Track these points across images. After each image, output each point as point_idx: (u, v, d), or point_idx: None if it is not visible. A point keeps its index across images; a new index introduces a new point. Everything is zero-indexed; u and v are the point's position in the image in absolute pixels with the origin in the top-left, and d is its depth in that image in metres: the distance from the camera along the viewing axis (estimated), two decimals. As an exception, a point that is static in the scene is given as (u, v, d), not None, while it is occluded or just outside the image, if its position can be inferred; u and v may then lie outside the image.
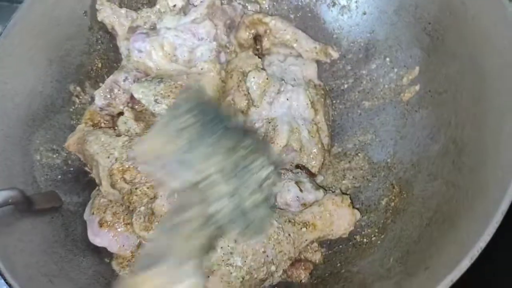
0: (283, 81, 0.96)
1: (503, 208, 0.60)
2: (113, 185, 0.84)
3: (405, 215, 0.82)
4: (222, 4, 1.03)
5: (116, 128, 0.92)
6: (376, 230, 0.85)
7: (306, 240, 0.82)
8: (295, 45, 1.04)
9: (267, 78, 0.94)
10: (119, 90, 0.94)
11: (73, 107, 0.98)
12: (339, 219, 0.84)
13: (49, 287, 0.71)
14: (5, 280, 0.66)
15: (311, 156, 0.92)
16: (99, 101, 0.94)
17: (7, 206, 0.72)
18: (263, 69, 0.97)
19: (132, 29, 1.00)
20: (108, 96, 0.94)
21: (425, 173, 0.83)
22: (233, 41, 1.03)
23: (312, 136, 0.92)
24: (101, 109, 0.95)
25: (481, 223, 0.62)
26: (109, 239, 0.83)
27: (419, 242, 0.74)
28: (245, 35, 1.04)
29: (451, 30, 0.85)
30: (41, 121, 0.91)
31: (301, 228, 0.82)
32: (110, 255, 0.86)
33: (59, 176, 0.91)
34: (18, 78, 0.88)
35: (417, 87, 0.93)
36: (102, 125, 0.95)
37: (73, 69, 0.98)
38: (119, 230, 0.84)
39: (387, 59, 0.99)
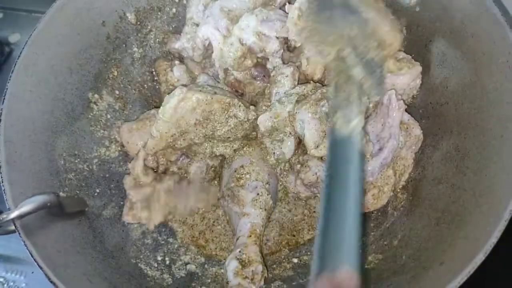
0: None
1: (511, 207, 0.68)
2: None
3: (412, 216, 0.89)
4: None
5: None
6: (385, 231, 0.92)
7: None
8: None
9: None
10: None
11: (91, 114, 1.01)
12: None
13: (88, 285, 0.75)
14: (49, 279, 0.69)
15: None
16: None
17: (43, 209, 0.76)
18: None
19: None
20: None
21: (430, 178, 0.91)
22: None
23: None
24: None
25: (491, 220, 0.70)
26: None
27: (429, 240, 0.81)
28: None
29: (452, 47, 0.93)
30: (63, 127, 0.94)
31: None
32: (136, 256, 0.90)
33: (82, 180, 0.93)
34: (42, 86, 0.91)
35: (417, 100, 1.01)
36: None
37: (92, 77, 1.01)
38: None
39: (389, 72, 1.07)
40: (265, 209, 0.92)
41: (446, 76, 0.94)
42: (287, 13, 0.92)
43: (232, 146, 0.99)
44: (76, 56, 0.98)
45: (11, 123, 0.84)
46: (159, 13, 1.12)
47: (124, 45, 1.08)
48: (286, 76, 0.97)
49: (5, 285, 1.06)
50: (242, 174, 0.95)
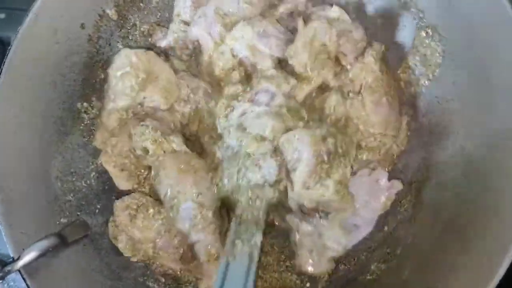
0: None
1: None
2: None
3: (416, 223, 0.88)
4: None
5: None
6: (388, 236, 0.91)
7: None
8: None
9: None
10: None
11: (82, 124, 0.97)
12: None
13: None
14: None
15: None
16: None
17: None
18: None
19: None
20: None
21: (433, 181, 0.88)
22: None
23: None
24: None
25: (495, 252, 0.68)
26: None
27: (432, 253, 0.80)
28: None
29: (460, 39, 0.85)
30: (56, 147, 0.91)
31: None
32: (143, 273, 0.92)
33: (82, 199, 0.93)
34: (27, 109, 0.86)
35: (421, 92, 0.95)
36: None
37: (78, 85, 0.96)
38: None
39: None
40: (210, 223, 0.85)
41: (453, 69, 0.88)
42: (288, 29, 0.84)
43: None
44: (58, 67, 0.93)
45: (2, 161, 0.82)
46: (141, 4, 1.03)
47: (108, 44, 1.01)
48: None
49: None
50: (172, 199, 0.87)
